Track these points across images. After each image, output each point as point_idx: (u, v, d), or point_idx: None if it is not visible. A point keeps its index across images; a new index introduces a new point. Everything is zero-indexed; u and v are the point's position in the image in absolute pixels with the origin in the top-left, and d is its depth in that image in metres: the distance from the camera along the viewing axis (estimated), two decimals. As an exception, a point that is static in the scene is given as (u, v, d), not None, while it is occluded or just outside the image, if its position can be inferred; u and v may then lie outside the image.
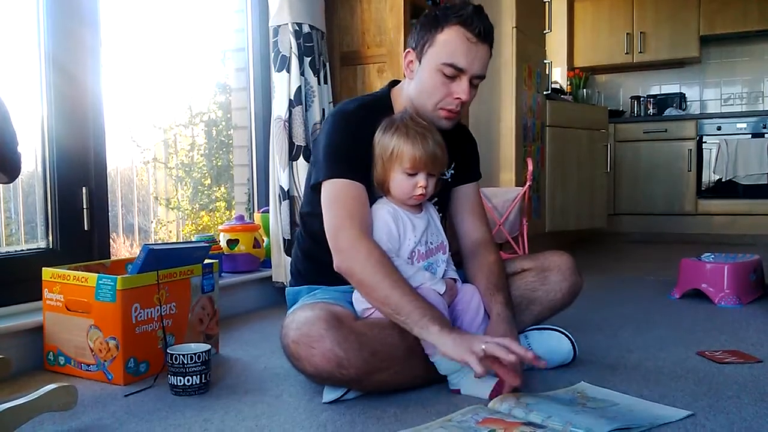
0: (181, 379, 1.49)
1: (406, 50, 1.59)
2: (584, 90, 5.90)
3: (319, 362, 1.31)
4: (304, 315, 1.35)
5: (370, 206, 1.51)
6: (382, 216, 1.49)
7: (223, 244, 2.53)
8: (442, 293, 1.46)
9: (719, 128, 5.35)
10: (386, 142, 1.47)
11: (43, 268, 1.71)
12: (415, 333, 1.34)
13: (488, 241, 1.70)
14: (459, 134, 1.73)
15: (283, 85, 2.50)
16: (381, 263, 1.39)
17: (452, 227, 1.75)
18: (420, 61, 1.54)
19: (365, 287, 1.42)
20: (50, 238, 1.98)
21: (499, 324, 1.47)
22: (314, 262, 1.62)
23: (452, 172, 1.71)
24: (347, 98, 1.79)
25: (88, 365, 1.64)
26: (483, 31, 1.50)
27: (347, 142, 1.52)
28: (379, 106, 1.61)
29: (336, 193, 1.49)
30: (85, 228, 2.04)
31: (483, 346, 1.25)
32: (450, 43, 1.49)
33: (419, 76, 1.54)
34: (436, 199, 1.65)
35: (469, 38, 1.48)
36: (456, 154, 1.68)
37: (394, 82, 1.70)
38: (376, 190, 1.53)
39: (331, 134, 1.54)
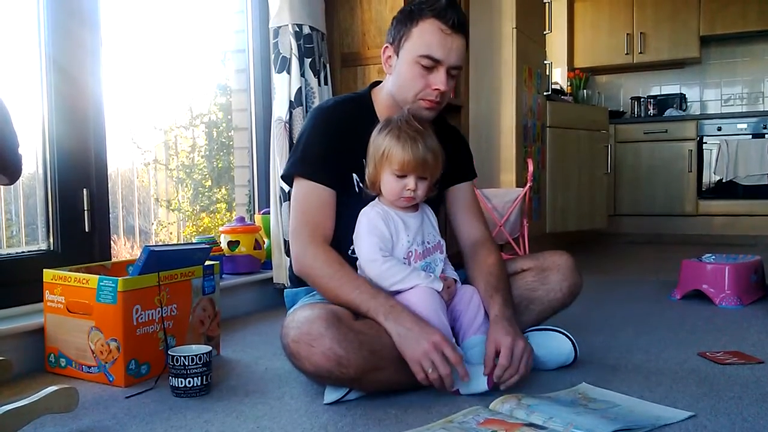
0: (182, 380, 1.49)
1: (384, 46, 1.62)
2: (584, 91, 5.90)
3: (318, 361, 1.31)
4: (304, 314, 1.36)
5: (352, 204, 1.54)
6: (372, 218, 1.50)
7: (223, 245, 2.53)
8: (439, 291, 1.46)
9: (720, 129, 5.35)
10: (379, 143, 1.49)
11: (44, 270, 1.71)
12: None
13: (486, 240, 1.70)
14: (447, 134, 1.74)
15: (284, 86, 2.50)
16: (326, 263, 1.47)
17: (451, 229, 1.75)
18: (398, 55, 1.57)
19: (319, 290, 1.51)
20: (51, 239, 1.98)
21: (496, 324, 1.46)
22: None
23: (442, 172, 1.71)
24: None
25: (89, 367, 1.63)
26: (457, 22, 1.52)
27: (322, 139, 1.56)
28: (358, 104, 1.65)
29: (300, 197, 1.56)
30: (86, 230, 2.04)
31: (429, 370, 1.33)
32: (425, 35, 1.52)
33: (397, 70, 1.57)
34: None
35: (443, 30, 1.51)
36: (446, 153, 1.69)
37: (376, 83, 1.72)
38: (368, 190, 1.55)
39: (308, 130, 1.59)
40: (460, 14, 1.54)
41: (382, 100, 1.65)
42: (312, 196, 1.54)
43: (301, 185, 1.57)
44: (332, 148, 1.55)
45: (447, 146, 1.70)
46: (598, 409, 1.31)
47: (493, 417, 1.25)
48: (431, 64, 1.52)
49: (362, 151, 1.54)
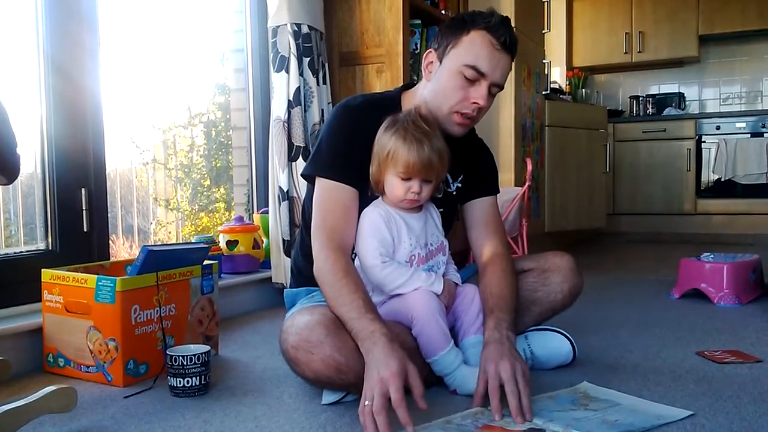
0: (181, 380, 1.49)
1: (428, 50, 1.58)
2: (583, 90, 5.91)
3: (318, 368, 1.30)
4: (303, 320, 1.35)
5: (366, 205, 1.50)
6: (374, 219, 1.47)
7: (222, 245, 2.53)
8: (439, 293, 1.45)
9: (718, 128, 5.36)
10: (384, 142, 1.44)
11: (42, 270, 1.71)
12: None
13: (498, 256, 1.62)
14: (473, 146, 1.71)
15: (282, 85, 2.50)
16: (331, 271, 1.40)
17: (468, 241, 1.71)
18: (441, 62, 1.53)
19: (323, 295, 1.43)
20: (49, 239, 1.98)
21: (487, 348, 1.38)
22: (313, 262, 1.62)
23: (459, 185, 1.67)
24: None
25: (88, 367, 1.63)
26: (508, 41, 1.50)
27: (347, 138, 1.52)
28: (385, 105, 1.58)
29: (322, 196, 1.51)
30: (85, 229, 2.04)
31: (366, 403, 1.17)
32: (475, 45, 1.48)
33: (438, 77, 1.53)
34: (441, 209, 1.62)
35: (493, 44, 1.48)
36: (466, 166, 1.66)
37: (408, 85, 1.68)
38: (371, 189, 1.51)
39: (332, 128, 1.55)
40: (512, 34, 1.52)
41: (412, 105, 1.57)
42: (334, 197, 1.49)
43: (322, 185, 1.51)
44: (355, 149, 1.50)
45: (472, 158, 1.68)
46: (598, 409, 1.31)
47: (491, 424, 1.23)
48: (475, 77, 1.48)
49: None
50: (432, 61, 1.56)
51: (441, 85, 1.52)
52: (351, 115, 1.55)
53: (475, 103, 1.50)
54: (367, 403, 1.18)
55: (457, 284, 1.56)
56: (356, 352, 1.30)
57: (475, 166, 1.69)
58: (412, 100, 1.61)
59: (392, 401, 1.16)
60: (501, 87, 1.54)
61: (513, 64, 1.57)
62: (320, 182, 1.52)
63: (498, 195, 1.77)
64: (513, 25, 1.59)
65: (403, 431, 1.15)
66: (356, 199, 1.50)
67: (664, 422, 1.24)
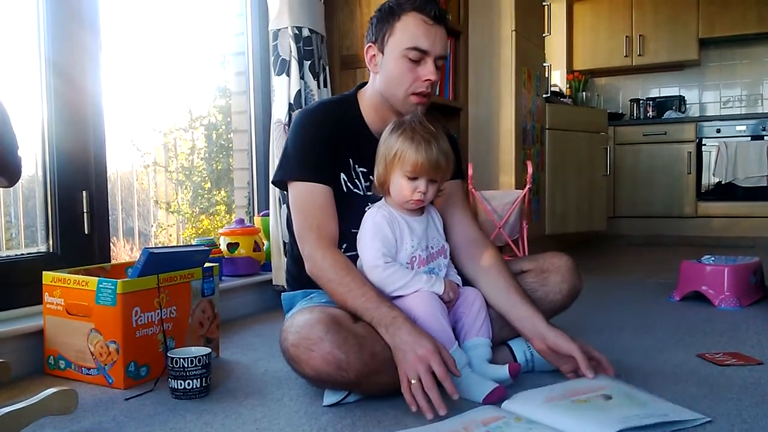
0: (182, 382, 1.49)
1: (366, 45, 1.63)
2: (584, 93, 5.91)
3: (318, 365, 1.31)
4: (303, 318, 1.36)
5: (340, 203, 1.54)
6: (377, 221, 1.48)
7: (223, 247, 2.54)
8: (440, 294, 1.46)
9: (719, 131, 5.36)
10: (391, 143, 1.47)
11: (43, 272, 1.71)
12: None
13: (484, 238, 1.68)
14: None
15: (283, 88, 2.50)
16: (333, 268, 1.45)
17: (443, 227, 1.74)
18: (383, 53, 1.58)
19: (327, 293, 1.49)
20: (50, 242, 1.98)
21: (550, 331, 1.48)
22: (303, 267, 1.62)
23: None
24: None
25: (89, 369, 1.63)
26: (438, 14, 1.55)
27: (310, 140, 1.56)
28: (343, 105, 1.66)
29: (299, 199, 1.55)
30: (86, 232, 2.04)
31: (413, 381, 1.27)
32: (410, 28, 1.53)
33: (384, 67, 1.58)
34: None
35: (426, 21, 1.53)
36: None
37: (363, 84, 1.72)
38: (376, 191, 1.54)
39: (296, 134, 1.59)
40: (438, 6, 1.57)
41: (367, 100, 1.65)
42: (311, 198, 1.54)
43: (296, 188, 1.56)
44: (320, 149, 1.55)
45: None
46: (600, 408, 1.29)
47: None
48: (419, 56, 1.53)
49: (348, 151, 1.57)
50: (374, 54, 1.61)
51: (390, 73, 1.57)
52: (310, 118, 1.60)
53: (427, 80, 1.54)
54: (413, 381, 1.26)
55: (458, 285, 1.56)
56: (356, 349, 1.31)
57: None
58: (365, 95, 1.66)
59: (438, 374, 1.26)
60: (444, 58, 1.59)
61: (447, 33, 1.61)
62: (294, 186, 1.57)
63: (498, 198, 1.78)
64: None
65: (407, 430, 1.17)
66: (332, 197, 1.55)
67: (677, 419, 1.23)
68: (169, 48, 2.91)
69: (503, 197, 3.17)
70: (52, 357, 1.70)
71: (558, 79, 5.82)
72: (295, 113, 1.66)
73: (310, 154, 1.55)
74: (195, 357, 1.49)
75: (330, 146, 1.56)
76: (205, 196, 3.27)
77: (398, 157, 1.45)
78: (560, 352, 1.45)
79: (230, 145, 3.08)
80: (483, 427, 1.21)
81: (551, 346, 1.47)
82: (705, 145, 5.38)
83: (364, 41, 1.67)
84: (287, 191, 1.61)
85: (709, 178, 5.37)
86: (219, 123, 3.26)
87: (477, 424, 1.23)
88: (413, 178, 1.45)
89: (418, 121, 1.48)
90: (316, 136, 1.56)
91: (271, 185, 2.54)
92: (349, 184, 1.58)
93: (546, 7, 4.13)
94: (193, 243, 2.63)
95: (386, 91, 1.59)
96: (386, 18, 1.57)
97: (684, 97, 5.93)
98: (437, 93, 2.95)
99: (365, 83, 1.72)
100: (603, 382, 1.41)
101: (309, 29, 2.53)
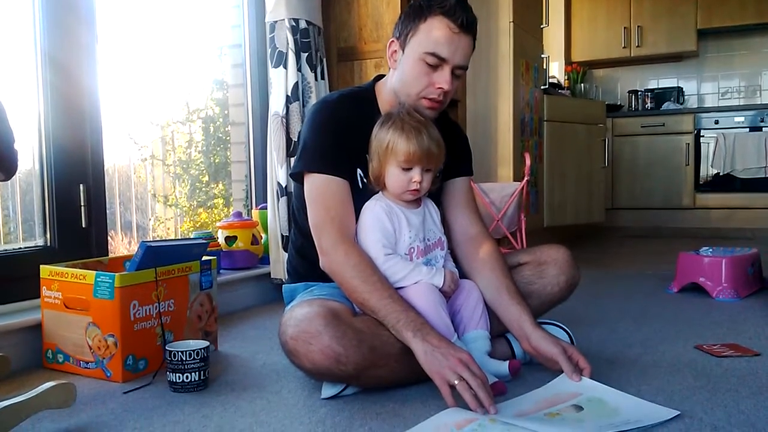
0: (180, 375, 1.49)
1: (390, 40, 1.60)
2: (582, 84, 5.90)
3: (317, 358, 1.31)
4: (302, 311, 1.36)
5: (355, 198, 1.52)
6: (377, 213, 1.49)
7: (221, 240, 2.53)
8: (440, 286, 1.46)
9: (717, 122, 5.36)
10: (382, 137, 1.47)
11: (41, 266, 1.71)
12: (394, 334, 1.36)
13: (487, 235, 1.68)
14: (448, 129, 1.73)
15: (280, 81, 2.50)
16: (358, 266, 1.42)
17: (445, 222, 1.74)
18: (403, 51, 1.55)
19: (345, 289, 1.46)
20: (48, 235, 1.98)
21: (536, 332, 1.47)
22: (308, 259, 1.62)
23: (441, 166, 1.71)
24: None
25: (87, 363, 1.64)
26: (466, 22, 1.51)
27: (331, 132, 1.53)
28: (361, 98, 1.63)
29: (317, 191, 1.52)
30: (83, 225, 2.04)
31: (456, 382, 1.25)
32: (433, 32, 1.50)
33: (402, 66, 1.55)
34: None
35: (451, 28, 1.50)
36: (446, 148, 1.68)
37: (380, 77, 1.70)
38: (372, 184, 1.53)
39: (315, 123, 1.56)
40: (469, 14, 1.53)
41: (385, 95, 1.63)
42: (330, 190, 1.51)
43: (314, 180, 1.52)
44: (338, 142, 1.52)
45: (447, 140, 1.70)
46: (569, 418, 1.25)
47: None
48: (436, 63, 1.50)
49: (365, 146, 1.52)
50: (395, 50, 1.58)
51: (405, 73, 1.54)
52: (331, 109, 1.58)
53: (439, 88, 1.52)
54: (457, 382, 1.24)
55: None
56: (355, 343, 1.32)
57: (452, 147, 1.70)
58: (383, 90, 1.64)
59: (474, 382, 1.25)
60: (465, 68, 1.56)
61: (474, 43, 1.60)
62: (312, 178, 1.53)
63: (497, 190, 1.78)
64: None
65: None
66: (350, 191, 1.53)
67: (650, 423, 1.21)
68: (165, 41, 2.90)
69: (501, 189, 3.17)
70: (50, 350, 1.70)
71: (556, 70, 5.81)
72: (312, 104, 1.62)
73: (330, 146, 1.52)
74: (193, 350, 1.49)
75: (348, 139, 1.53)
76: (203, 189, 3.26)
77: (390, 149, 1.45)
78: (543, 355, 1.45)
79: (228, 138, 3.07)
80: (457, 430, 1.19)
81: (535, 348, 1.47)
82: (703, 136, 5.38)
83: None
84: (302, 183, 1.57)
85: (708, 170, 5.37)
86: (216, 116, 3.25)
87: (450, 428, 1.20)
88: (407, 169, 1.46)
89: (406, 112, 1.48)
90: (337, 128, 1.53)
91: (275, 175, 2.53)
92: (364, 179, 1.56)
93: (544, -2, 4.11)
94: (191, 236, 2.62)
95: (400, 90, 1.56)
96: (413, 16, 1.53)
97: (682, 88, 5.92)
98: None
99: (382, 75, 1.70)
100: (574, 388, 1.38)
101: (306, 21, 2.53)
